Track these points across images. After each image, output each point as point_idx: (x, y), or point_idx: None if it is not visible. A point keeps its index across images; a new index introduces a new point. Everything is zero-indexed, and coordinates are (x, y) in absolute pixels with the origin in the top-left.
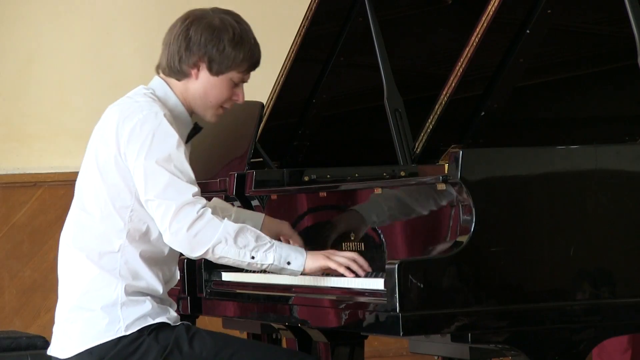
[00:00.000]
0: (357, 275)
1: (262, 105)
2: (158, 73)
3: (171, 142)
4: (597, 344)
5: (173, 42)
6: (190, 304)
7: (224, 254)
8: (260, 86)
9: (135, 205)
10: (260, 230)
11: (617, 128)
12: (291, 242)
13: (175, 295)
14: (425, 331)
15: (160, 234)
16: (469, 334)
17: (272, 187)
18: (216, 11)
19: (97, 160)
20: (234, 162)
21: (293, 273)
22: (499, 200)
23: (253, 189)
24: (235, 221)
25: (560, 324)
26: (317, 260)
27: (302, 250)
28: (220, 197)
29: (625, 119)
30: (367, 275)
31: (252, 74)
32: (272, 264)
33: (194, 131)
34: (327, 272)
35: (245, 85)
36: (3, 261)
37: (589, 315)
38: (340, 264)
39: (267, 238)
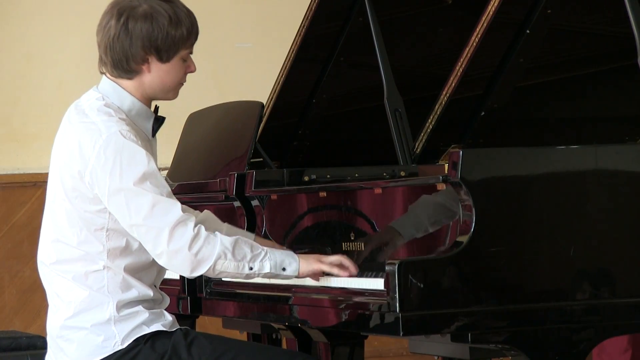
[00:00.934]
0: (349, 276)
1: (262, 105)
2: (103, 73)
3: (140, 160)
4: (597, 344)
5: (113, 42)
6: (190, 304)
7: (224, 268)
8: (260, 86)
9: (109, 225)
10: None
11: (617, 128)
12: None
13: (175, 295)
14: (425, 331)
15: (140, 244)
16: (469, 334)
17: (272, 187)
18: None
19: (64, 187)
20: (234, 162)
21: (287, 278)
22: (498, 200)
23: (253, 189)
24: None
25: (560, 324)
26: (310, 264)
27: (294, 254)
28: (220, 197)
29: (625, 119)
30: (367, 275)
31: (252, 73)
32: (269, 272)
33: (157, 124)
34: (317, 276)
35: (245, 85)
36: (3, 261)
37: (589, 315)
38: (333, 265)
39: (259, 246)
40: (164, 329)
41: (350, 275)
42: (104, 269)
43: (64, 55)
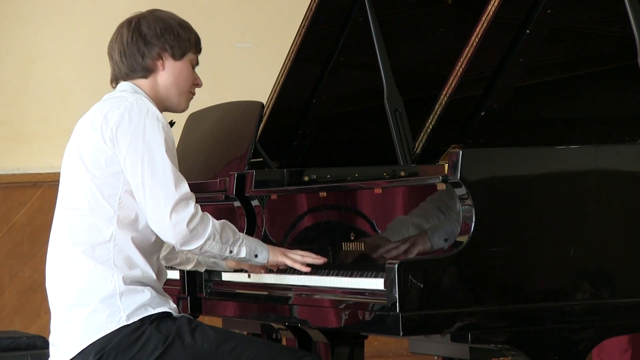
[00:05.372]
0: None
1: (262, 105)
2: (115, 84)
3: (164, 127)
4: (597, 344)
5: (128, 46)
6: (190, 304)
7: (210, 249)
8: (260, 86)
9: (122, 194)
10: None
11: (617, 128)
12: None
13: (176, 295)
14: (425, 331)
15: (147, 223)
16: (469, 334)
17: (272, 187)
18: (146, 11)
19: (80, 154)
20: (234, 162)
21: (257, 264)
22: (498, 200)
23: (253, 189)
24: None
25: (560, 324)
26: (276, 255)
27: (264, 244)
28: (220, 197)
29: (625, 119)
30: (367, 275)
31: (252, 73)
32: (243, 257)
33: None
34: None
35: (245, 85)
36: (3, 261)
37: (589, 315)
38: (295, 261)
39: (237, 231)
40: (170, 311)
41: (312, 274)
42: (110, 240)
43: (65, 55)
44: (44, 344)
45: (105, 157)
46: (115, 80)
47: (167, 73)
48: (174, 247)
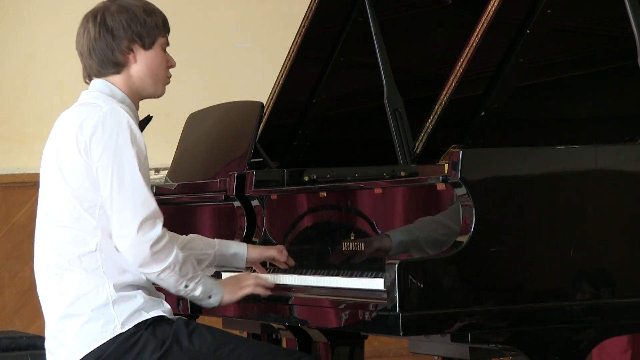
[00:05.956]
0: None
1: (262, 105)
2: (89, 81)
3: (137, 139)
4: (597, 344)
5: (96, 42)
6: (190, 304)
7: (167, 277)
8: (260, 86)
9: (102, 204)
10: (246, 258)
11: (617, 128)
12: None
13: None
14: (425, 331)
15: None
16: (469, 334)
17: (272, 187)
18: (107, 0)
19: (58, 164)
20: (234, 162)
21: (208, 305)
22: (499, 200)
23: (253, 189)
24: (220, 251)
25: (560, 324)
26: (234, 293)
27: (220, 287)
28: (220, 197)
29: (625, 119)
30: (367, 275)
31: (252, 73)
32: (197, 296)
33: (145, 121)
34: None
35: (245, 85)
36: (3, 261)
37: (589, 315)
38: (257, 286)
39: (198, 269)
40: (165, 315)
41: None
42: (96, 250)
43: (64, 55)
44: (44, 344)
45: (81, 168)
46: (88, 77)
47: (140, 64)
48: (185, 244)
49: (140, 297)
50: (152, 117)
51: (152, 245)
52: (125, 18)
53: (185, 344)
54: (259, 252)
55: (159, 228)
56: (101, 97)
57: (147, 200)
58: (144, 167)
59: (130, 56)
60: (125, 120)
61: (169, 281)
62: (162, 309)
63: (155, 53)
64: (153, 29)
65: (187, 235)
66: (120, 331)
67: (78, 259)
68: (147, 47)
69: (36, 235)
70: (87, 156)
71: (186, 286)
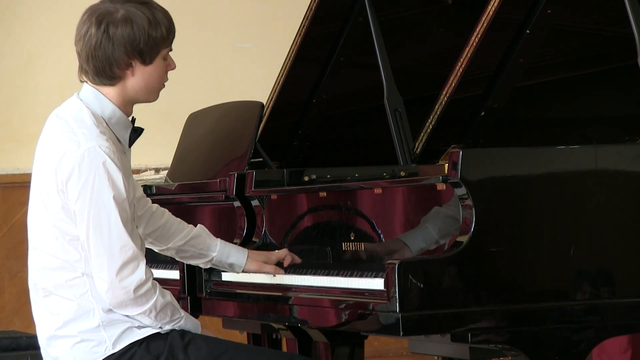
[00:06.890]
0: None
1: (262, 105)
2: (84, 80)
3: (115, 181)
4: (597, 344)
5: (96, 50)
6: (190, 304)
7: (142, 320)
8: (260, 86)
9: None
10: (245, 263)
11: (617, 128)
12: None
13: (175, 295)
14: (425, 331)
15: None
16: (469, 334)
17: (272, 187)
18: (114, 1)
19: (42, 195)
20: (234, 162)
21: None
22: (499, 200)
23: (253, 189)
24: (218, 258)
25: (560, 324)
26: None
27: (200, 328)
28: (220, 197)
29: (625, 119)
30: (367, 275)
31: (252, 73)
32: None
33: (135, 134)
34: None
35: (245, 85)
36: (3, 261)
37: (589, 315)
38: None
39: (179, 312)
40: (157, 331)
41: None
42: (83, 275)
43: (64, 55)
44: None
45: (59, 205)
46: (83, 74)
47: (137, 79)
48: (187, 240)
49: (131, 318)
50: (142, 129)
51: (135, 289)
52: (128, 32)
53: (180, 357)
54: (256, 267)
55: (140, 272)
56: (86, 119)
57: (126, 245)
58: (123, 210)
59: (129, 71)
60: (101, 163)
61: (144, 322)
62: (154, 325)
63: (155, 68)
64: (156, 44)
65: (195, 225)
66: (112, 351)
67: (65, 284)
68: (147, 63)
69: (28, 263)
70: (65, 197)
71: (161, 327)
